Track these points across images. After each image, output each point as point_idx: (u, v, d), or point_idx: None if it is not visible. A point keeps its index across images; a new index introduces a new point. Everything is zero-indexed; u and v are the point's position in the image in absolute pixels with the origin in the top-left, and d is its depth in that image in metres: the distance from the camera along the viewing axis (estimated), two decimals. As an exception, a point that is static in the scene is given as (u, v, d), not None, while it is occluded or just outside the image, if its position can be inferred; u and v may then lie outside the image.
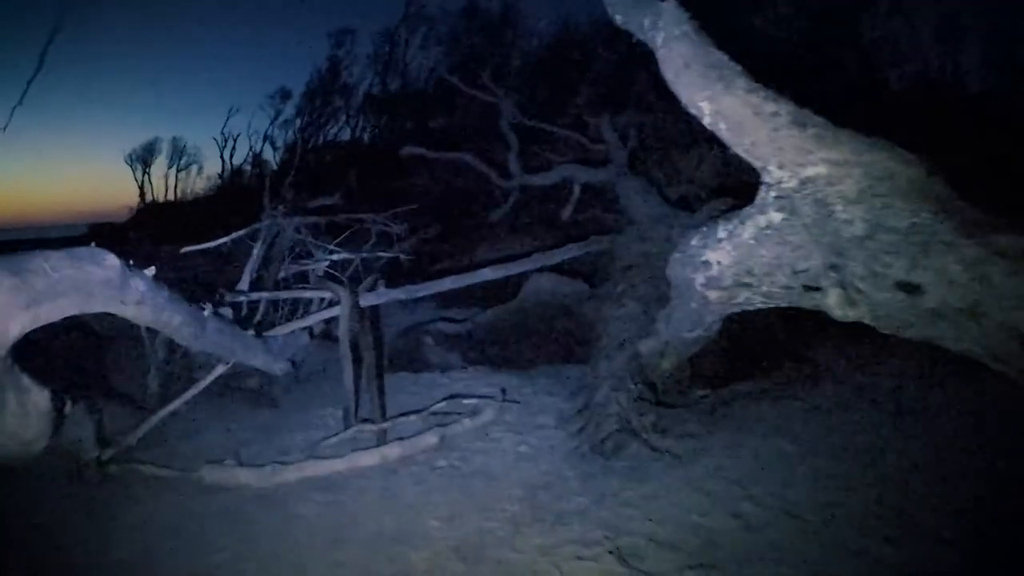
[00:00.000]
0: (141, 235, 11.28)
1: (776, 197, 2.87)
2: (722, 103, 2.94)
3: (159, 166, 24.28)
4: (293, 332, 5.37)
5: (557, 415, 4.87)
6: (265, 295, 5.58)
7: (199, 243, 5.51)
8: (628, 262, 6.36)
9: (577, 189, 8.55)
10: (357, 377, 4.81)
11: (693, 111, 3.09)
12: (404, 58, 22.52)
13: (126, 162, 23.94)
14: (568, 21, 17.91)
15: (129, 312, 3.04)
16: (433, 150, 10.66)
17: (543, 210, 9.90)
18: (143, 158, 24.32)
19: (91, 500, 3.75)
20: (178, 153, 24.80)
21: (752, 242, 2.98)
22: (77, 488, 3.89)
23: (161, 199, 23.58)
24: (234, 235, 5.71)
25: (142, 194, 23.74)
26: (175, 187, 23.94)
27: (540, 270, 6.17)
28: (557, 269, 6.31)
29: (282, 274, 6.19)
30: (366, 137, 22.04)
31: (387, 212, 6.74)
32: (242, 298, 5.24)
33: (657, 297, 5.52)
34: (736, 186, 8.32)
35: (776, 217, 2.87)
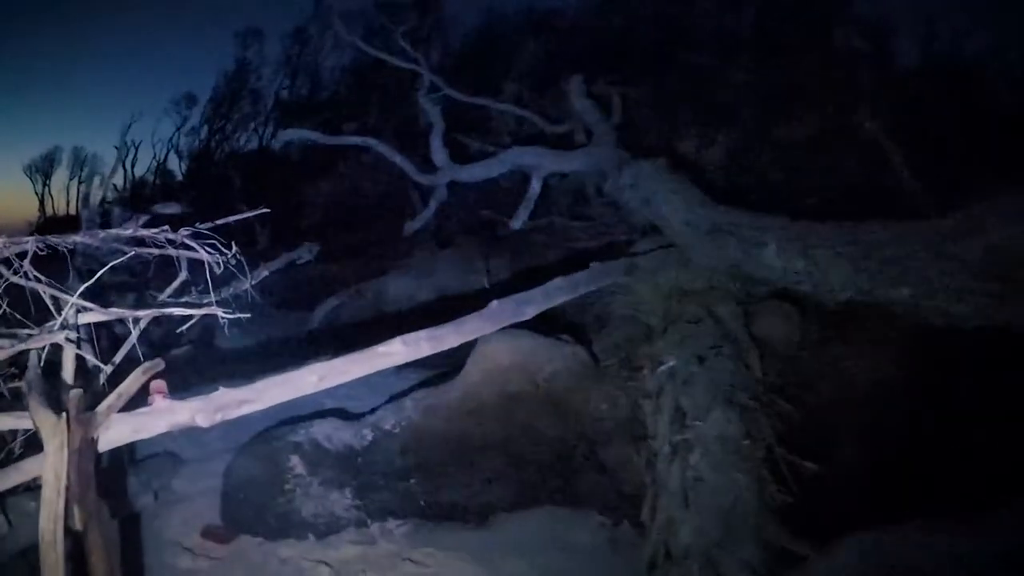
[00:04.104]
0: None
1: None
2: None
3: (60, 177, 22.24)
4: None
5: None
6: None
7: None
8: (657, 306, 3.51)
9: (537, 184, 5.67)
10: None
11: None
12: (316, 60, 20.29)
13: (25, 173, 21.79)
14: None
15: None
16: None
17: (476, 219, 6.94)
18: (43, 169, 22.28)
19: None
20: (79, 163, 22.71)
21: None
22: None
23: (63, 212, 21.33)
24: None
25: (42, 207, 21.54)
26: (77, 199, 21.97)
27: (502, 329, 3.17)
28: (529, 323, 3.30)
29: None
30: (275, 145, 19.72)
31: (205, 223, 3.41)
32: None
33: (743, 383, 2.70)
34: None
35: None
